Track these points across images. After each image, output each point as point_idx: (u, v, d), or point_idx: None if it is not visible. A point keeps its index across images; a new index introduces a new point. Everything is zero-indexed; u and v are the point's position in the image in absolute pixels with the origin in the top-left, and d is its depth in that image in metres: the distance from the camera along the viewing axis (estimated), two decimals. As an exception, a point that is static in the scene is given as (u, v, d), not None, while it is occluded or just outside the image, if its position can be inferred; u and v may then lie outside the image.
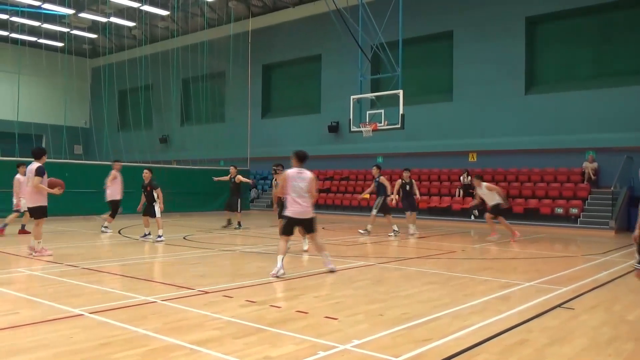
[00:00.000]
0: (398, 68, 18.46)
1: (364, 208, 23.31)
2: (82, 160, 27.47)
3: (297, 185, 8.12)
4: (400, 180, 15.31)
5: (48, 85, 34.86)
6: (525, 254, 11.37)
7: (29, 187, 9.57)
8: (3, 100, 30.87)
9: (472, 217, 20.07)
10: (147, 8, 26.67)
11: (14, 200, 13.51)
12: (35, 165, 9.50)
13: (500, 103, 21.63)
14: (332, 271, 8.32)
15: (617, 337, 5.00)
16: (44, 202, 9.58)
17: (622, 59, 19.92)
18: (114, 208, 14.31)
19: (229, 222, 16.16)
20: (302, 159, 8.36)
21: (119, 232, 14.47)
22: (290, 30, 28.61)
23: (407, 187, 15.17)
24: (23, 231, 13.74)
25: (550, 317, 5.66)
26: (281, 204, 11.08)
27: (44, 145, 33.55)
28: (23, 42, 28.80)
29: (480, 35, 22.20)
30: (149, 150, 29.44)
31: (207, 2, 28.49)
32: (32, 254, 9.56)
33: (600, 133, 19.28)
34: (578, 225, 18.10)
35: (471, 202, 16.21)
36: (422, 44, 24.00)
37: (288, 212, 8.21)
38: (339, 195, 24.55)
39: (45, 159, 9.78)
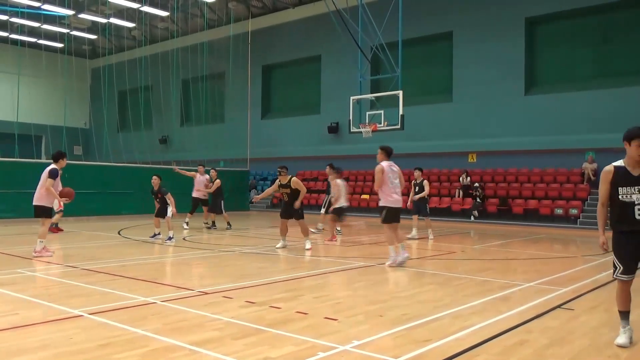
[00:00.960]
0: (398, 69, 18.47)
1: (364, 209, 23.33)
2: (82, 161, 27.47)
3: (392, 177, 8.86)
4: (413, 180, 14.26)
5: (48, 86, 34.87)
6: (525, 255, 11.37)
7: (40, 187, 9.56)
8: (3, 101, 30.88)
9: (472, 218, 20.08)
10: (146, 9, 26.68)
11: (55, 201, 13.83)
12: (50, 167, 9.59)
13: (500, 103, 21.65)
14: (404, 260, 8.93)
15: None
16: (49, 203, 9.62)
17: (621, 60, 19.94)
18: (194, 205, 16.08)
19: (213, 224, 16.09)
20: (390, 154, 9.06)
21: (119, 233, 14.47)
22: (290, 31, 28.63)
23: (417, 189, 13.91)
24: (56, 229, 14.20)
25: (550, 318, 5.66)
26: (284, 204, 11.26)
27: (43, 146, 33.62)
28: (23, 43, 28.83)
29: (480, 36, 22.21)
30: (148, 151, 29.46)
31: (206, 3, 28.51)
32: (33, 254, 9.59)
33: (600, 133, 19.28)
34: (578, 225, 18.12)
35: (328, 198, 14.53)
36: (422, 45, 24.02)
37: (387, 203, 8.85)
38: (338, 195, 24.53)
39: (63, 163, 9.86)
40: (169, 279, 7.67)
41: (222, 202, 15.93)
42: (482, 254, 11.52)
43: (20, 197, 18.29)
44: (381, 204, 8.96)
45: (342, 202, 13.24)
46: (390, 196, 8.83)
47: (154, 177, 12.60)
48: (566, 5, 20.52)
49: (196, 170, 16.45)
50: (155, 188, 12.50)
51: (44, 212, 9.57)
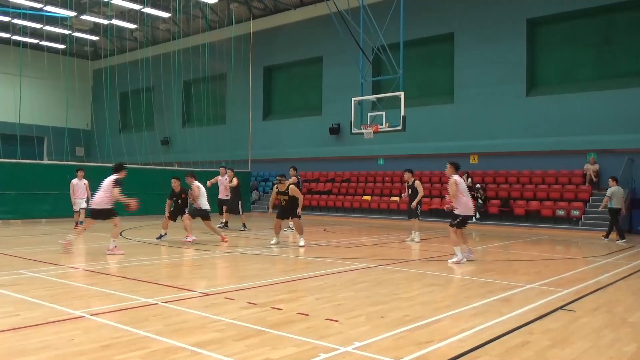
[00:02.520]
0: (399, 70, 18.45)
1: (365, 210, 23.32)
2: (83, 162, 27.48)
3: (465, 188, 9.78)
4: (405, 183, 14.01)
5: (50, 87, 34.91)
6: (526, 256, 11.36)
7: (104, 192, 10.20)
8: (5, 103, 30.90)
9: (474, 219, 20.05)
10: (148, 10, 26.72)
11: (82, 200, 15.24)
12: (114, 177, 10.30)
13: (502, 105, 21.63)
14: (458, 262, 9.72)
15: (618, 340, 4.99)
16: (109, 205, 10.21)
17: (623, 61, 19.91)
18: (220, 206, 16.62)
19: (225, 224, 16.36)
20: (459, 168, 9.99)
21: (120, 234, 14.47)
22: (292, 32, 28.65)
23: (409, 191, 13.71)
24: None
25: (551, 320, 5.65)
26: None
27: (45, 147, 33.71)
28: (25, 45, 28.85)
29: (481, 37, 22.20)
30: (150, 152, 29.45)
31: (208, 4, 28.53)
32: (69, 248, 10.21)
33: (602, 135, 19.27)
34: (579, 227, 18.09)
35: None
36: (423, 46, 24.01)
37: (464, 212, 9.76)
38: (340, 197, 24.56)
39: (124, 173, 10.49)
40: (171, 280, 7.67)
41: (241, 202, 16.20)
42: (483, 255, 11.51)
43: (22, 198, 18.34)
44: (457, 212, 9.77)
45: (203, 204, 12.52)
46: (467, 206, 9.76)
47: (173, 179, 12.65)
48: (567, 6, 20.50)
49: (218, 174, 16.64)
50: (177, 190, 12.52)
51: (111, 213, 10.18)
